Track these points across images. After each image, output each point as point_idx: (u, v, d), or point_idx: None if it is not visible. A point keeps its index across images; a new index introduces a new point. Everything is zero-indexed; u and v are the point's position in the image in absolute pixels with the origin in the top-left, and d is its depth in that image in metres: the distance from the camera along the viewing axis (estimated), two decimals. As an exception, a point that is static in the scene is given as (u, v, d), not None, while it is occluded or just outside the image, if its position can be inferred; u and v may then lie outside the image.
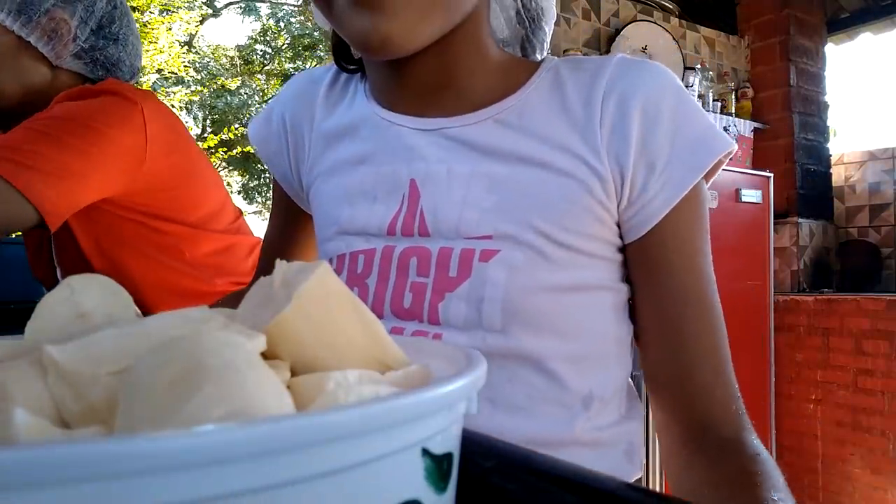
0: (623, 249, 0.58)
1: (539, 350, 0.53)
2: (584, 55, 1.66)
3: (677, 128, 0.54)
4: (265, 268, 0.79)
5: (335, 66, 0.68)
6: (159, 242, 0.99)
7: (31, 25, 0.88)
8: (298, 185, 0.71)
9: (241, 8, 11.48)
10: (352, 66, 0.67)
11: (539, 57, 0.67)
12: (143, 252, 0.99)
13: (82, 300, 0.26)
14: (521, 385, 0.53)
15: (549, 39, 0.67)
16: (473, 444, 0.35)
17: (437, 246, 0.56)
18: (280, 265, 0.26)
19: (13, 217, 0.76)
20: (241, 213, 1.17)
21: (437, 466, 0.21)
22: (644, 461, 0.62)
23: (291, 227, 0.77)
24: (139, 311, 0.29)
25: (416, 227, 0.57)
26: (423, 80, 0.59)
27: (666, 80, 0.56)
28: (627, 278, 0.59)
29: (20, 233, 1.19)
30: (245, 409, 0.18)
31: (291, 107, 0.69)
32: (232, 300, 0.70)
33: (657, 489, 1.99)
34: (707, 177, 0.57)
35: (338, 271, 0.61)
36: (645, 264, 0.56)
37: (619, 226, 0.57)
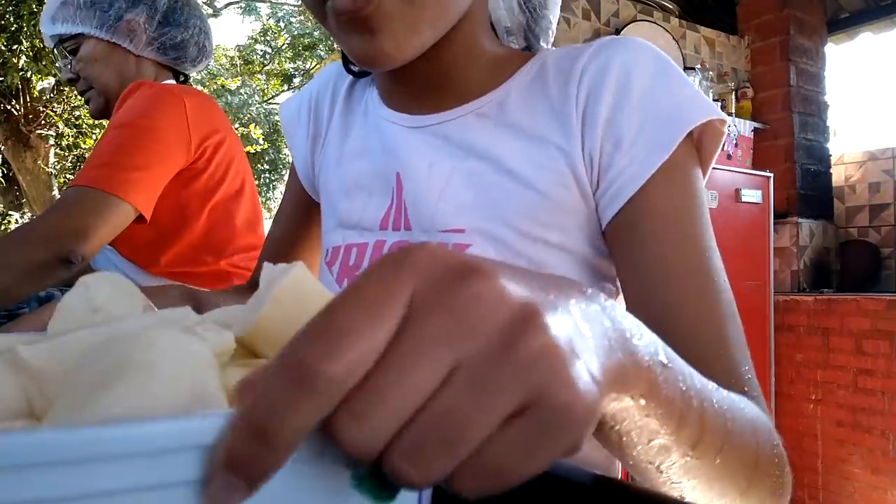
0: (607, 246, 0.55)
1: None
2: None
3: (649, 102, 0.52)
4: (268, 257, 0.80)
5: None
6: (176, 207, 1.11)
7: (114, 31, 1.13)
8: (312, 173, 0.73)
9: (241, 8, 11.47)
10: (358, 69, 0.68)
11: (544, 45, 0.67)
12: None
13: (95, 296, 0.28)
14: None
15: (553, 28, 0.66)
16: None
17: (416, 239, 0.57)
18: (266, 267, 0.27)
19: (125, 219, 0.97)
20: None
21: (370, 474, 0.20)
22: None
23: (301, 218, 0.78)
24: (150, 303, 0.31)
25: (402, 222, 0.59)
26: (416, 80, 0.60)
27: (641, 53, 0.53)
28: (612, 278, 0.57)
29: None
30: (150, 408, 0.18)
31: (319, 94, 0.72)
32: (233, 294, 0.72)
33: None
34: (704, 151, 0.55)
35: (332, 263, 0.63)
36: (621, 246, 0.52)
37: (597, 213, 0.55)
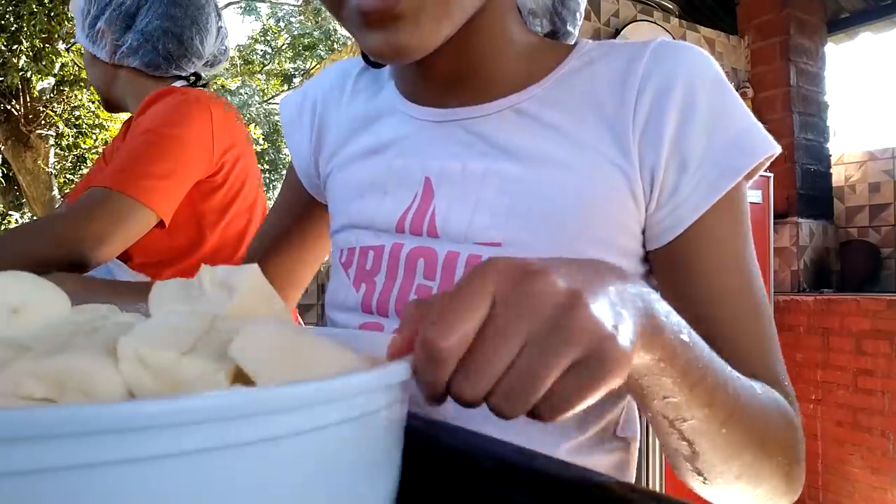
0: (646, 258, 0.54)
1: None
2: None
3: (715, 123, 0.50)
4: (258, 248, 0.77)
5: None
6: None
7: (91, 40, 1.12)
8: (315, 174, 0.70)
9: (241, 8, 11.47)
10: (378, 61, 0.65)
11: (572, 30, 0.63)
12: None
13: (8, 298, 0.27)
14: None
15: (582, 10, 0.63)
16: (474, 447, 0.35)
17: (445, 249, 0.54)
18: (205, 268, 0.30)
19: (144, 226, 0.97)
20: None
21: None
22: (635, 475, 0.60)
23: (296, 214, 0.76)
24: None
25: (426, 227, 0.55)
26: (442, 70, 0.56)
27: (706, 68, 0.51)
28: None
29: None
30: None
31: (323, 95, 0.69)
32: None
33: (657, 489, 1.99)
34: (748, 176, 0.52)
35: (348, 264, 0.60)
36: (673, 270, 0.52)
37: (643, 232, 0.53)
